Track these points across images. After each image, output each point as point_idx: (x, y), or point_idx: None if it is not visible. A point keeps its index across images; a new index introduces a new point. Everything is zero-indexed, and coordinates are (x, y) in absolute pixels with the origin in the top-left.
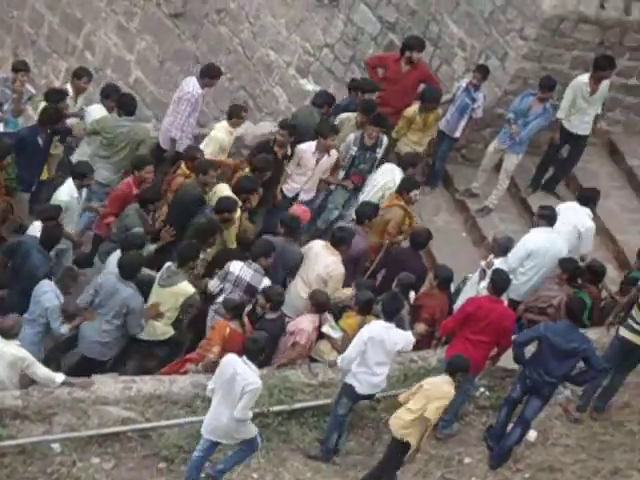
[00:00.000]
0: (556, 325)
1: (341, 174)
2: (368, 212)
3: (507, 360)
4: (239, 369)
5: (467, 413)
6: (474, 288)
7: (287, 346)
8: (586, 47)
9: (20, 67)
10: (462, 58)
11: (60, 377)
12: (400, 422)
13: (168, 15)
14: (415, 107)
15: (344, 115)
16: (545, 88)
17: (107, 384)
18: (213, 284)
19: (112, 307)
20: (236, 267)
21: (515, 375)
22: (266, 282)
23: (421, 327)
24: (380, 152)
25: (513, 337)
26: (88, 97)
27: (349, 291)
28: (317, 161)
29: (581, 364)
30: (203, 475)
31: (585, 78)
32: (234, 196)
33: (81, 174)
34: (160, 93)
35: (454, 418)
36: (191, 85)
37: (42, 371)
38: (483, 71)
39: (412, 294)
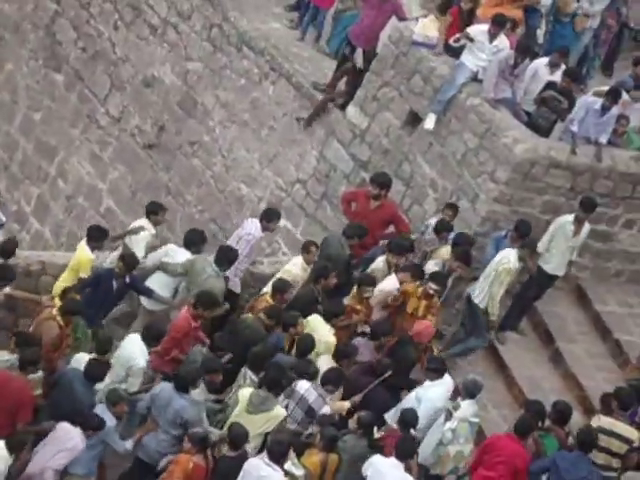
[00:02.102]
0: (568, 454)
1: None
2: (384, 330)
3: None
4: (263, 472)
5: None
6: (439, 429)
7: None
8: (557, 192)
9: None
10: (433, 199)
11: None
12: None
13: (142, 146)
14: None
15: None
16: (521, 234)
17: None
18: (280, 400)
19: (166, 417)
20: (302, 386)
21: None
22: (326, 409)
23: None
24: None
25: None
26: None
27: (346, 405)
28: None
29: None
30: None
31: (570, 218)
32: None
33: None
34: (131, 223)
35: None
36: (253, 227)
37: None
38: (453, 209)
39: (375, 430)
